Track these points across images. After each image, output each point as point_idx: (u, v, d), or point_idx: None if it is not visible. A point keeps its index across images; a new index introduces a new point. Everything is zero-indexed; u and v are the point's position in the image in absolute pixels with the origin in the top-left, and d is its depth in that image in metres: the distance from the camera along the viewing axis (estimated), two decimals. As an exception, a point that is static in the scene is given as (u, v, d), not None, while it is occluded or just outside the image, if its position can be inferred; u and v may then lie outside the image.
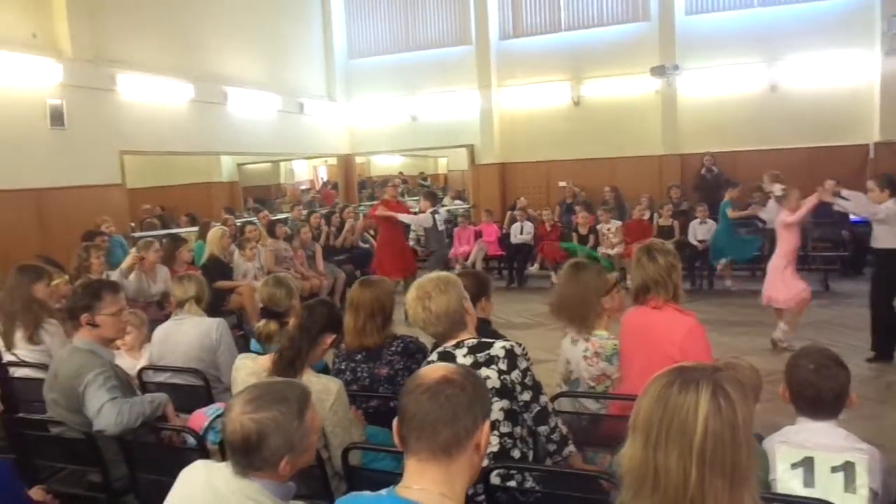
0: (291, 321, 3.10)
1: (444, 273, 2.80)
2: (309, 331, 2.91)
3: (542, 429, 2.63)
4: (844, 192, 6.51)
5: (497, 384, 2.51)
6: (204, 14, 11.33)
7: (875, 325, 6.15)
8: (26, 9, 8.55)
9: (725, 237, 9.38)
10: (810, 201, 6.61)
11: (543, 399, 2.62)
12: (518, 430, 2.58)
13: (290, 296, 3.90)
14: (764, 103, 11.92)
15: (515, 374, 2.53)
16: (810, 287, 6.85)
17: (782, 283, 6.67)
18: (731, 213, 9.23)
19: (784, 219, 6.71)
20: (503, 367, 2.52)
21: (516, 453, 2.56)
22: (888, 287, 6.08)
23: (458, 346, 2.62)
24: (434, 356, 2.69)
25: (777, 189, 6.94)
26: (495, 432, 2.50)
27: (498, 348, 2.56)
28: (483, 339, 2.64)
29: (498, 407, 2.50)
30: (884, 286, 6.12)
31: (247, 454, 1.83)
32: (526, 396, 2.56)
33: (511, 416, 2.56)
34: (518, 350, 2.58)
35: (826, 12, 11.41)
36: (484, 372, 2.47)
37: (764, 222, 8.92)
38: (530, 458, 2.66)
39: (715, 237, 9.53)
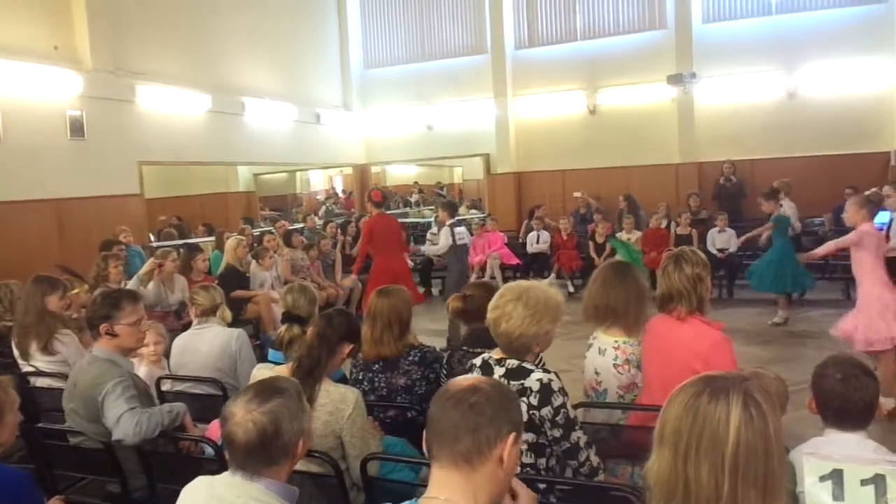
0: (310, 331, 3.09)
1: (551, 300, 2.56)
2: (328, 340, 2.89)
3: (572, 463, 2.53)
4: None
5: (525, 417, 2.39)
6: (222, 26, 11.44)
7: None
8: (48, 21, 8.68)
9: (783, 262, 7.78)
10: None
11: (575, 436, 2.48)
12: (542, 461, 2.49)
13: (312, 304, 3.91)
14: (782, 111, 11.82)
15: (546, 411, 2.42)
16: None
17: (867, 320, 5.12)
18: (804, 257, 7.19)
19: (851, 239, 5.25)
20: (534, 401, 2.42)
21: (541, 485, 2.48)
22: None
23: (499, 362, 2.55)
24: (478, 361, 2.65)
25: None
26: None
27: (533, 380, 2.44)
28: (523, 365, 2.51)
29: (522, 439, 2.43)
30: None
31: (264, 448, 1.85)
32: (556, 433, 2.45)
33: (537, 448, 2.48)
34: (555, 385, 2.44)
35: (844, 19, 11.31)
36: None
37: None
38: (555, 486, 2.57)
39: (772, 261, 7.93)
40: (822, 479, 2.12)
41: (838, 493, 2.09)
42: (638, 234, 10.35)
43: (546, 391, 2.42)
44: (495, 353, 2.60)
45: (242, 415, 1.86)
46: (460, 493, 1.48)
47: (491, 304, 2.58)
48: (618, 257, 8.27)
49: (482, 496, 1.51)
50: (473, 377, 1.63)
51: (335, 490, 2.66)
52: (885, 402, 4.58)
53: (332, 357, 2.90)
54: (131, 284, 6.11)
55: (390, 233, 8.03)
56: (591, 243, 10.71)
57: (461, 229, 8.11)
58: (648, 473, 1.39)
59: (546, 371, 2.50)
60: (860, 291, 5.25)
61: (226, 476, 1.92)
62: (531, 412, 2.42)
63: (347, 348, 3.02)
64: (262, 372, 3.09)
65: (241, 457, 1.87)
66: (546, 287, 2.63)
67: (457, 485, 1.49)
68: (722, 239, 9.79)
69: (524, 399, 2.42)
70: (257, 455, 1.85)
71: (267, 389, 1.93)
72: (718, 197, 11.64)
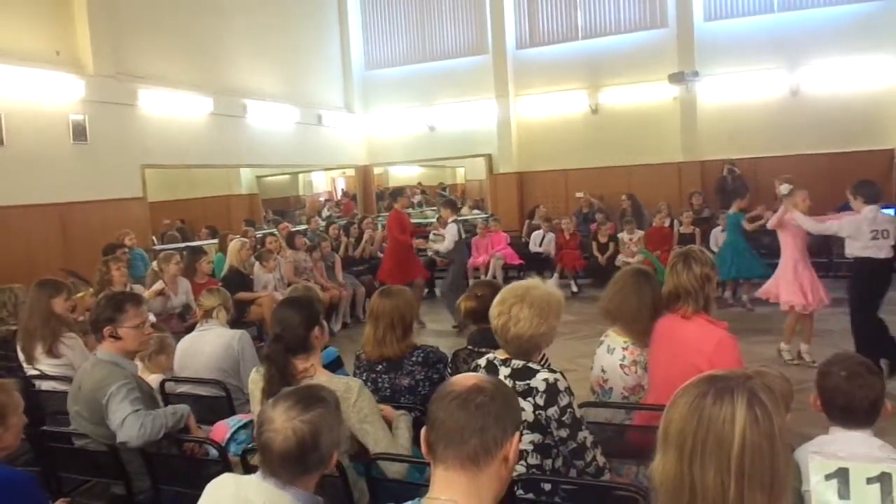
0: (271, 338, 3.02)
1: (553, 297, 2.58)
2: (278, 357, 2.81)
3: (578, 463, 2.51)
4: (798, 214, 6.25)
5: (531, 418, 2.39)
6: (223, 29, 11.46)
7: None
8: (50, 26, 8.69)
9: (734, 252, 8.70)
10: (779, 213, 6.38)
11: (581, 436, 2.46)
12: (549, 462, 2.47)
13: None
14: (785, 109, 11.80)
15: (553, 411, 2.40)
16: (827, 299, 6.41)
17: (797, 286, 6.33)
18: (747, 226, 8.63)
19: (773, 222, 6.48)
20: (540, 401, 2.40)
21: (546, 486, 2.48)
22: (861, 299, 5.89)
23: (505, 362, 2.53)
24: (483, 361, 2.63)
25: (784, 188, 6.67)
26: (522, 462, 2.41)
27: (539, 380, 2.42)
28: (528, 365, 2.49)
29: (528, 440, 2.41)
30: (855, 299, 5.96)
31: (302, 457, 1.84)
32: (563, 433, 2.43)
33: (543, 449, 2.45)
34: (561, 385, 2.42)
35: (846, 16, 11.29)
36: (519, 402, 2.35)
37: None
38: (560, 487, 2.56)
39: (722, 251, 8.81)
40: (828, 477, 2.11)
41: (844, 491, 2.08)
42: (640, 233, 10.34)
43: (552, 391, 2.41)
44: (500, 354, 2.59)
45: (282, 422, 1.84)
46: (464, 494, 1.47)
47: (493, 311, 2.56)
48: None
49: (486, 496, 1.50)
50: (473, 375, 1.62)
51: (338, 490, 2.66)
52: (783, 348, 6.59)
53: (309, 352, 2.84)
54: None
55: None
56: (594, 243, 10.70)
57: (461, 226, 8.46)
58: (654, 474, 1.38)
59: (552, 371, 2.49)
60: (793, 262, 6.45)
61: (255, 479, 1.90)
62: (537, 412, 2.40)
63: (317, 331, 2.91)
64: (258, 376, 3.08)
65: (276, 464, 1.86)
66: (543, 284, 2.63)
67: (461, 486, 1.48)
68: (725, 238, 9.75)
69: (530, 399, 2.41)
70: (293, 464, 1.85)
71: (308, 398, 1.92)
72: (720, 192, 11.59)
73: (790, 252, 6.49)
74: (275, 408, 1.89)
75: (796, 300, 6.35)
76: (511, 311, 2.50)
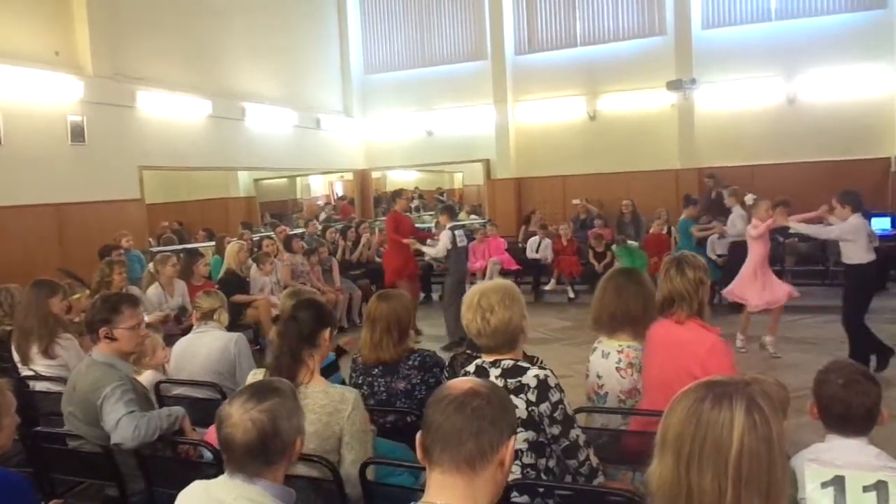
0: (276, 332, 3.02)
1: (508, 284, 2.69)
2: (289, 334, 2.82)
3: (571, 462, 2.51)
4: (794, 223, 6.65)
5: (524, 415, 2.40)
6: (222, 31, 11.46)
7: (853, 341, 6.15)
8: (49, 27, 8.69)
9: None
10: (768, 223, 6.75)
11: (574, 433, 2.48)
12: (543, 462, 2.47)
13: None
14: (782, 117, 11.86)
15: (545, 407, 2.41)
16: (794, 290, 6.95)
17: (759, 287, 6.78)
18: (695, 231, 9.11)
19: (750, 231, 6.89)
20: (532, 398, 2.41)
21: (539, 488, 2.47)
22: (859, 302, 6.13)
23: (494, 364, 2.53)
24: (472, 367, 2.63)
25: (749, 198, 7.12)
26: (518, 462, 2.41)
27: (530, 377, 2.44)
28: (518, 363, 2.51)
29: (522, 438, 2.41)
30: (854, 301, 6.15)
31: (264, 448, 1.85)
32: (555, 430, 2.44)
33: (537, 447, 2.46)
34: (552, 381, 2.45)
35: (844, 25, 11.35)
36: (512, 400, 2.34)
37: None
38: (554, 491, 2.57)
39: None
40: (824, 485, 2.11)
41: (840, 499, 2.08)
42: (634, 244, 10.35)
43: (543, 387, 2.42)
44: (487, 357, 2.60)
45: (240, 415, 1.86)
46: (460, 497, 1.47)
47: (467, 317, 2.58)
48: (618, 264, 8.29)
49: (482, 500, 1.50)
50: (469, 380, 1.62)
51: (333, 495, 2.64)
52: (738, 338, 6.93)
53: (313, 349, 2.83)
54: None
55: None
56: (591, 250, 10.70)
57: (461, 232, 8.25)
58: (650, 479, 1.37)
59: (542, 368, 2.51)
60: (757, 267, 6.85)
61: (223, 479, 1.91)
62: (530, 409, 2.41)
63: (327, 334, 2.90)
64: (257, 377, 3.07)
65: (240, 458, 1.87)
66: (491, 280, 2.68)
67: (457, 489, 1.47)
68: (722, 245, 9.76)
69: (522, 396, 2.41)
70: (257, 455, 1.85)
71: (262, 390, 1.95)
72: (709, 210, 11.49)
73: (756, 257, 6.85)
74: (231, 404, 1.91)
75: (751, 298, 6.81)
76: (482, 305, 2.54)
